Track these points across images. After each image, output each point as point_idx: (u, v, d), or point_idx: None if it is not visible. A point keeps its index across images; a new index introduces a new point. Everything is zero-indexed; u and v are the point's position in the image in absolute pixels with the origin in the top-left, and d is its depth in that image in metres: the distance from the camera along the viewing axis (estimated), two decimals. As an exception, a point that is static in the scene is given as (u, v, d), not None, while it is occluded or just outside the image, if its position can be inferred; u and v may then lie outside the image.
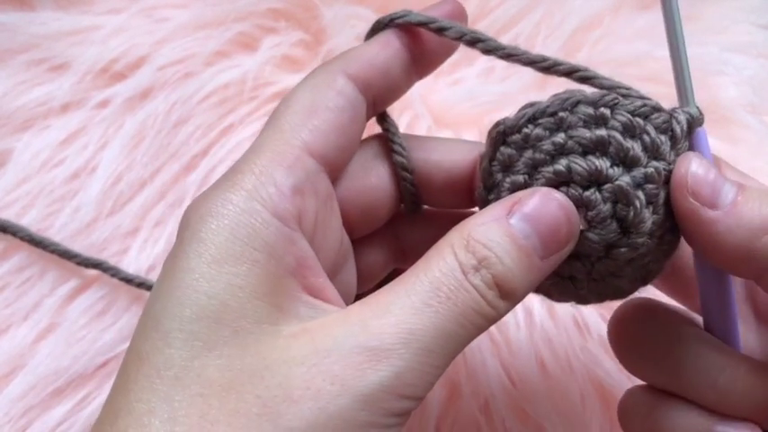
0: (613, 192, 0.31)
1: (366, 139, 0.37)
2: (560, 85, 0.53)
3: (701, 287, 0.35)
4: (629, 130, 0.32)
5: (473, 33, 0.35)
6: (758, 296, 0.37)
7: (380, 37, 0.35)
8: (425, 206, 0.39)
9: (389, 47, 0.35)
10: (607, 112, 0.32)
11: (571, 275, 0.33)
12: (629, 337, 0.36)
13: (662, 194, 0.32)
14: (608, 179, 0.31)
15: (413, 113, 0.53)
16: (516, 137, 0.33)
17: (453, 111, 0.53)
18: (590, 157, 0.32)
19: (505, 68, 0.54)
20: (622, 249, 0.32)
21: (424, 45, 0.36)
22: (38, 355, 0.49)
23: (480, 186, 0.34)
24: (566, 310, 0.48)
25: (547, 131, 0.33)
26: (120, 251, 0.51)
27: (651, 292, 0.37)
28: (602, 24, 0.55)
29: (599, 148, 0.32)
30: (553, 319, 0.48)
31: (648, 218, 0.32)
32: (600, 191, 0.32)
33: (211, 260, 0.29)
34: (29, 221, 0.51)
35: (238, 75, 0.53)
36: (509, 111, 0.50)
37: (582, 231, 0.32)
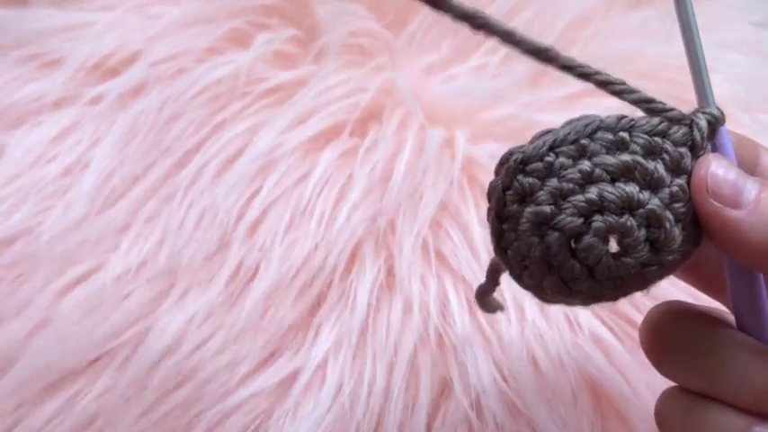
0: (646, 216, 0.31)
1: None
2: (554, 80, 0.54)
3: (731, 286, 0.35)
4: (650, 152, 0.32)
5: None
6: None
7: None
8: None
9: None
10: (626, 135, 0.32)
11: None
12: (661, 343, 0.36)
13: (690, 210, 0.32)
14: (640, 204, 0.32)
15: (404, 111, 0.52)
16: (538, 165, 0.33)
17: (446, 107, 0.53)
18: (619, 184, 0.32)
19: (498, 65, 0.54)
20: (653, 268, 0.32)
21: None
22: (30, 350, 0.48)
23: (492, 215, 0.34)
24: (557, 306, 0.48)
25: (570, 159, 0.32)
26: (112, 247, 0.51)
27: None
28: (594, 21, 0.55)
29: (625, 173, 0.32)
30: (545, 315, 0.48)
31: (678, 235, 0.32)
32: (633, 216, 0.32)
33: None
34: (21, 218, 0.51)
35: (231, 71, 0.53)
36: (502, 107, 0.50)
37: (616, 257, 0.32)
